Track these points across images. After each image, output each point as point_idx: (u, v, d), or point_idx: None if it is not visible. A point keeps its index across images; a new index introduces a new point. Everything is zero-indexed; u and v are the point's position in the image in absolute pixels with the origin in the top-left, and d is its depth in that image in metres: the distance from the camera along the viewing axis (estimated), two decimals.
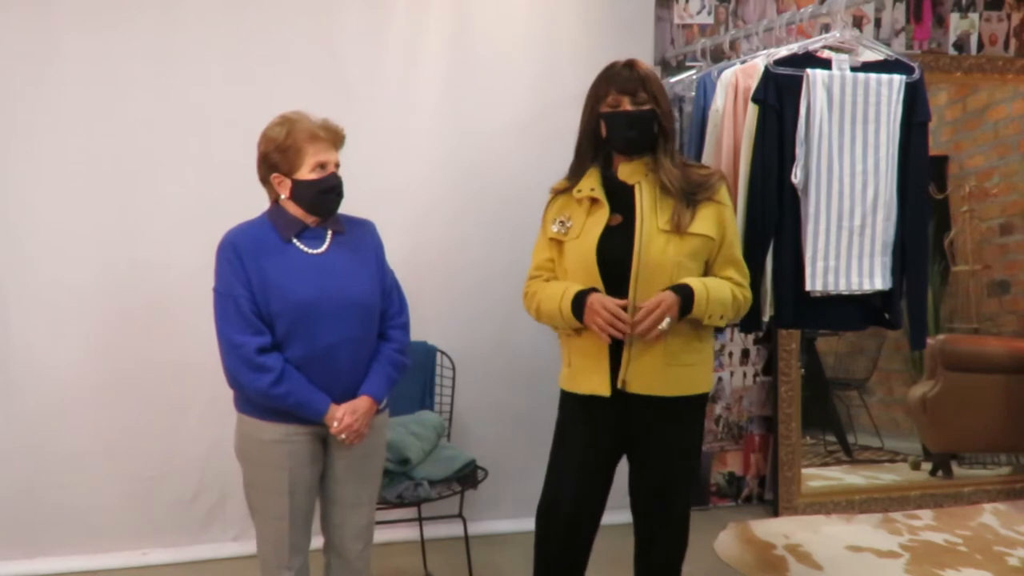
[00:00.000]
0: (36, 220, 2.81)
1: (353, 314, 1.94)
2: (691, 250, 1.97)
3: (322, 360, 1.91)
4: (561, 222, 2.07)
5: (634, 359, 1.98)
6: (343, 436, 1.92)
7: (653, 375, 1.98)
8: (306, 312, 1.89)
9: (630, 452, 2.13)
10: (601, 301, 1.93)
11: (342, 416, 1.92)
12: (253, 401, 1.92)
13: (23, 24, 2.75)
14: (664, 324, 1.90)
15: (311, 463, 1.98)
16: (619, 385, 1.99)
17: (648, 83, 2.00)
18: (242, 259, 1.89)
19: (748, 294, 2.08)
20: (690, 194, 1.98)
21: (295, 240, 1.95)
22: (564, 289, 2.00)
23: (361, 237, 2.06)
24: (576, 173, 2.10)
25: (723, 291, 1.98)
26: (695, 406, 2.10)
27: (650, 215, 1.97)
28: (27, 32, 2.75)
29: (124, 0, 2.80)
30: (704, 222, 1.98)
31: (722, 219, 2.01)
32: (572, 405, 2.11)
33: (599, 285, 1.98)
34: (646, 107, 1.99)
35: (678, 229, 1.96)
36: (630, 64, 2.02)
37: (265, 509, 1.97)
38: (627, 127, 2.00)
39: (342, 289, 1.93)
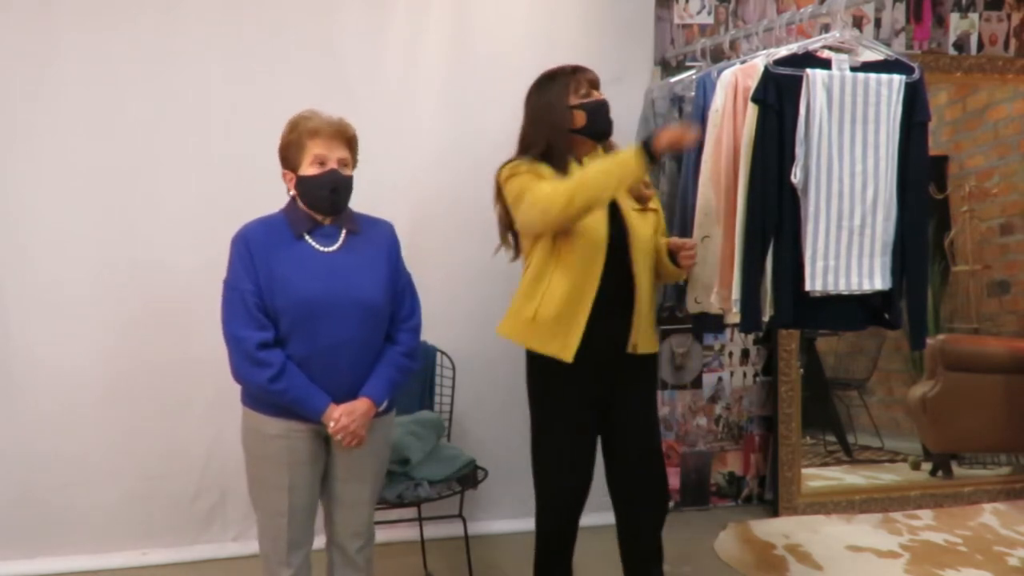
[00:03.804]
0: (36, 220, 2.81)
1: (356, 314, 1.92)
2: (655, 224, 2.17)
3: (323, 359, 1.91)
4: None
5: (644, 319, 2.10)
6: (339, 437, 1.92)
7: (649, 333, 2.12)
8: (308, 310, 1.88)
9: (606, 415, 2.16)
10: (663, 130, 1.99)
11: (339, 417, 1.91)
12: (255, 395, 1.93)
13: (23, 24, 2.74)
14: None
15: (311, 461, 1.97)
16: (630, 349, 2.09)
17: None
18: (252, 253, 1.90)
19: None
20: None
21: (307, 237, 1.95)
22: (615, 155, 2.03)
23: (376, 237, 2.04)
24: (560, 168, 2.11)
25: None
26: (655, 361, 2.24)
27: (623, 199, 2.14)
28: (27, 32, 2.75)
29: (124, 0, 2.80)
30: (653, 200, 2.22)
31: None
32: (552, 365, 2.10)
33: (602, 258, 2.07)
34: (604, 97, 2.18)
35: (641, 204, 2.14)
36: (579, 66, 2.19)
37: (265, 504, 1.97)
38: (608, 113, 2.18)
39: (348, 289, 1.92)
